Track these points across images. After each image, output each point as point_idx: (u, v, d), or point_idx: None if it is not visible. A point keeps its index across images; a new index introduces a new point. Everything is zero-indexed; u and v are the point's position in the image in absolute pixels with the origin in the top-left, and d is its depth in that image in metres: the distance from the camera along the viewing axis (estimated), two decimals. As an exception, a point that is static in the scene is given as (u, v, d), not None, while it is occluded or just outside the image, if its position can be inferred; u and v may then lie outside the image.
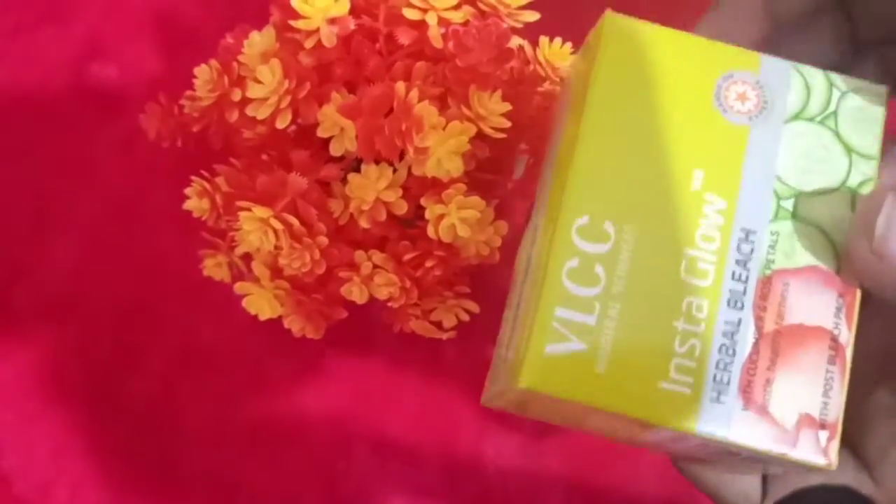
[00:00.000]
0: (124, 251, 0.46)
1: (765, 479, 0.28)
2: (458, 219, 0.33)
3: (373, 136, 0.32)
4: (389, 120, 0.32)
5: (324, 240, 0.33)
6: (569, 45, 0.35)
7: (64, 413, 0.44)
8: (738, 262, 0.23)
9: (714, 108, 0.24)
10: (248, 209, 0.32)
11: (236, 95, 0.35)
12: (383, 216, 0.34)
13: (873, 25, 0.28)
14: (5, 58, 0.50)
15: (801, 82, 0.25)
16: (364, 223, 0.34)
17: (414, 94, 0.31)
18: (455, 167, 0.32)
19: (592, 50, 0.25)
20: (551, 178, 0.26)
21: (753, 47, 0.26)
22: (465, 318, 0.37)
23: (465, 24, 0.32)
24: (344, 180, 0.34)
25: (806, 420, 0.23)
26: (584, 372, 0.22)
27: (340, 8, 0.33)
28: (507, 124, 0.33)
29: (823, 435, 0.22)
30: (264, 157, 0.36)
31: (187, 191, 0.36)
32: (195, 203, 0.36)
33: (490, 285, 0.39)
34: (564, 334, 0.23)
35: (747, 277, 0.23)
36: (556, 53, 0.35)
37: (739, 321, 0.23)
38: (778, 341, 0.23)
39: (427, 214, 0.33)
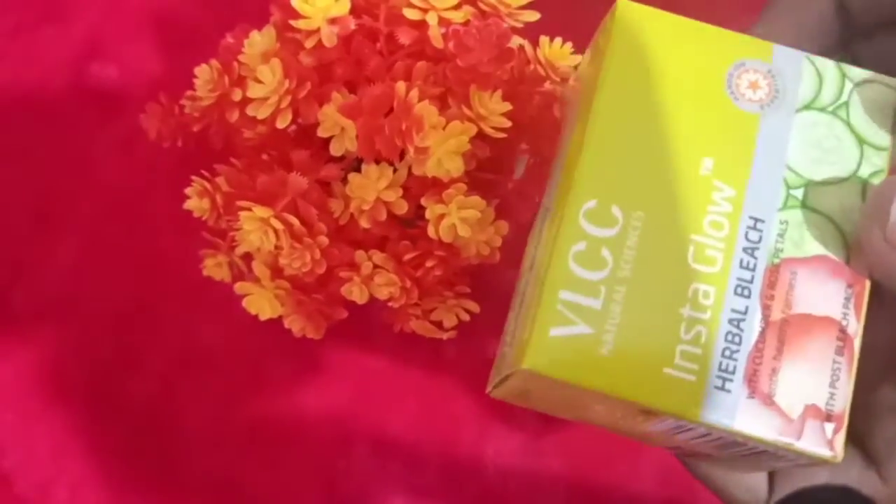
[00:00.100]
0: (124, 251, 0.46)
1: (771, 478, 0.28)
2: (458, 219, 0.33)
3: (373, 135, 0.32)
4: (390, 120, 0.32)
5: (324, 240, 0.33)
6: (569, 44, 0.35)
7: (64, 413, 0.44)
8: (745, 249, 0.23)
9: (725, 96, 0.24)
10: (249, 209, 0.32)
11: (237, 95, 0.34)
12: (384, 216, 0.34)
13: (866, 11, 0.28)
14: (5, 58, 0.50)
15: (813, 72, 0.25)
16: (364, 223, 0.34)
17: (414, 93, 0.31)
18: (455, 167, 0.32)
19: (604, 38, 0.25)
20: (560, 172, 0.26)
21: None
22: (466, 317, 0.37)
23: (466, 23, 0.32)
24: (344, 180, 0.34)
25: (812, 411, 0.22)
26: (589, 356, 0.22)
27: (341, 8, 0.33)
28: (508, 124, 0.33)
29: (829, 427, 0.22)
30: (265, 156, 0.36)
31: (188, 191, 0.36)
32: (195, 203, 0.36)
33: (491, 285, 0.39)
34: (569, 317, 0.22)
35: (755, 266, 0.23)
36: (556, 53, 0.35)
37: (746, 309, 0.23)
38: (785, 330, 0.23)
39: (427, 214, 0.33)
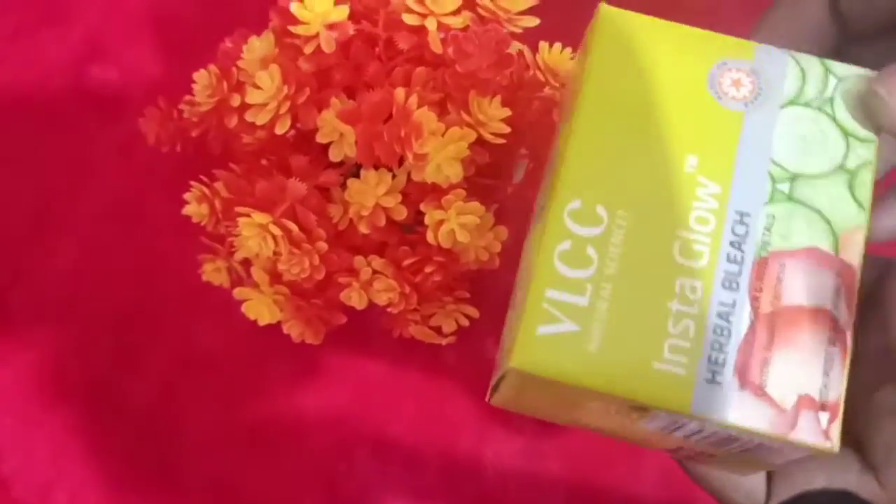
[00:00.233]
0: (123, 255, 0.46)
1: (769, 482, 0.28)
2: (457, 224, 0.33)
3: (372, 141, 0.32)
4: (389, 126, 0.32)
5: (323, 245, 0.33)
6: (568, 50, 0.35)
7: (63, 416, 0.44)
8: (732, 243, 0.23)
9: (708, 95, 0.25)
10: (247, 215, 0.32)
11: (235, 101, 0.34)
12: (382, 222, 0.34)
13: (861, 17, 0.28)
14: (5, 60, 0.50)
15: (797, 69, 0.25)
16: (363, 229, 0.34)
17: (413, 99, 0.31)
18: (454, 173, 0.32)
19: (588, 42, 0.26)
20: (549, 177, 0.26)
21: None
22: (465, 322, 0.37)
23: (465, 29, 0.32)
24: (343, 186, 0.34)
25: (805, 401, 0.22)
26: (577, 353, 0.22)
27: (339, 13, 0.33)
28: (507, 130, 0.33)
29: (824, 416, 0.22)
30: (263, 162, 0.36)
31: (186, 196, 0.36)
32: (194, 208, 0.36)
33: (490, 290, 0.39)
34: (556, 316, 0.23)
35: (742, 259, 0.23)
36: (555, 58, 0.35)
37: (734, 302, 0.23)
38: (775, 322, 0.23)
39: (426, 220, 0.33)
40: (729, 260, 0.23)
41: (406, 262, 0.35)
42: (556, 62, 0.35)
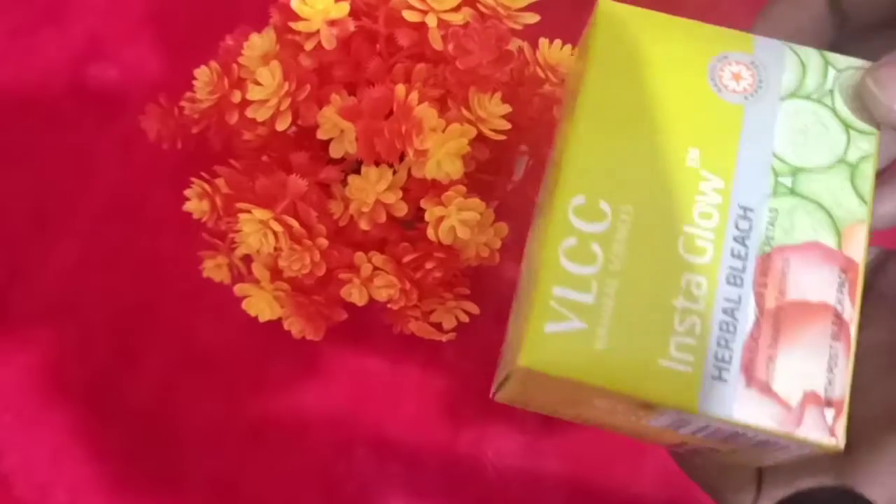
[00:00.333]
0: (124, 252, 0.46)
1: (759, 479, 0.28)
2: (457, 220, 0.33)
3: (373, 138, 0.32)
4: (389, 122, 0.32)
5: (324, 242, 0.33)
6: (569, 46, 0.35)
7: (63, 415, 0.44)
8: (736, 239, 0.23)
9: (709, 88, 0.25)
10: (248, 211, 0.32)
11: (236, 97, 0.35)
12: (383, 218, 0.34)
13: (860, 12, 0.28)
14: (5, 58, 0.50)
15: (797, 61, 0.25)
16: (364, 225, 0.34)
17: (414, 96, 0.31)
18: (455, 169, 0.32)
19: (588, 36, 0.26)
20: (550, 170, 0.26)
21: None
22: (465, 319, 0.37)
23: (465, 25, 0.32)
24: (344, 182, 0.34)
25: (811, 398, 0.22)
26: (584, 351, 0.22)
27: (340, 10, 0.33)
28: (507, 126, 0.33)
29: (829, 413, 0.22)
30: (264, 158, 0.36)
31: (187, 192, 0.36)
32: (195, 205, 0.36)
33: (490, 287, 0.39)
34: (563, 313, 0.22)
35: (746, 254, 0.23)
36: (555, 55, 0.35)
37: (740, 298, 0.23)
38: (780, 318, 0.23)
39: (427, 216, 0.33)
40: (733, 255, 0.23)
41: (406, 259, 0.35)
42: (556, 59, 0.35)
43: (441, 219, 0.33)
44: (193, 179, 0.36)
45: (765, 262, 0.23)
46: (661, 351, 0.22)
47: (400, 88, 0.32)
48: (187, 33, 0.50)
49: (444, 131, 0.32)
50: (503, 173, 0.37)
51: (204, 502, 0.43)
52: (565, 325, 0.22)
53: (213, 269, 0.38)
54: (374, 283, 0.35)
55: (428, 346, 0.40)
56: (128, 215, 0.47)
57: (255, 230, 0.32)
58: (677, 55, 0.25)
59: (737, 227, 0.23)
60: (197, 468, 0.43)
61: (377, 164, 0.33)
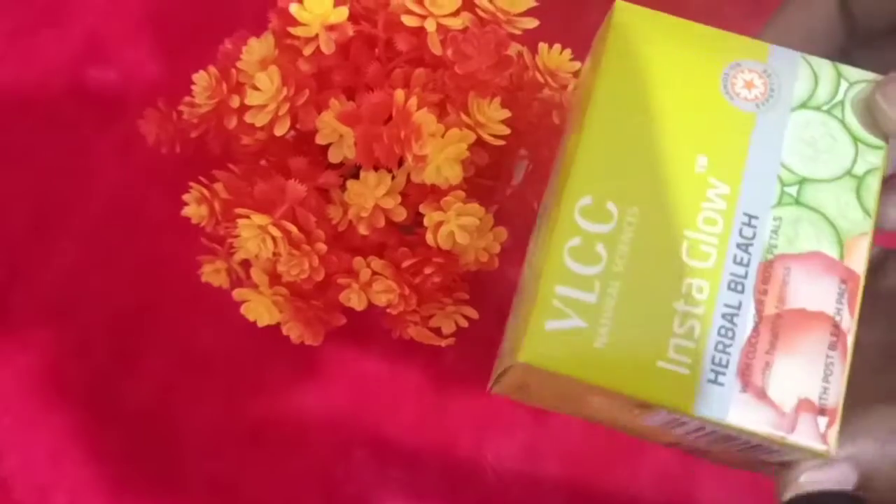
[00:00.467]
0: (123, 255, 0.46)
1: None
2: (456, 225, 0.33)
3: (372, 143, 0.32)
4: (388, 127, 0.32)
5: (322, 247, 0.33)
6: (568, 51, 0.35)
7: (63, 417, 0.44)
8: (739, 245, 0.24)
9: (721, 96, 0.25)
10: (247, 216, 0.32)
11: (235, 102, 0.34)
12: (382, 223, 0.34)
13: (870, 18, 0.28)
14: (5, 60, 0.50)
15: (809, 72, 0.25)
16: (363, 230, 0.34)
17: (413, 101, 0.31)
18: (454, 174, 0.32)
19: (602, 39, 0.26)
20: (558, 171, 0.26)
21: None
22: (464, 324, 0.37)
23: (464, 30, 0.32)
24: (343, 187, 0.34)
25: (805, 405, 0.23)
26: (584, 349, 0.23)
27: (339, 14, 0.32)
28: (507, 131, 0.33)
29: (822, 420, 0.23)
30: (263, 163, 0.36)
31: (186, 197, 0.36)
32: (194, 209, 0.36)
33: (489, 292, 0.39)
34: (565, 311, 0.23)
35: (749, 261, 0.23)
36: (555, 60, 0.35)
37: (740, 304, 0.23)
38: (778, 325, 0.23)
39: (426, 221, 0.33)
40: (735, 262, 0.23)
41: (405, 264, 0.35)
42: (555, 63, 0.35)
43: (440, 224, 0.33)
44: (192, 184, 0.36)
45: (766, 269, 0.23)
46: (659, 352, 0.23)
47: (399, 93, 0.32)
48: (187, 36, 0.50)
49: (443, 136, 0.32)
50: (502, 178, 0.37)
51: (203, 505, 0.43)
52: (566, 323, 0.23)
53: (212, 273, 0.38)
54: (373, 288, 0.35)
55: (427, 350, 0.40)
56: (127, 217, 0.47)
57: (253, 235, 0.32)
58: (691, 61, 0.25)
59: (741, 234, 0.24)
60: (196, 470, 0.43)
61: (376, 168, 0.33)
